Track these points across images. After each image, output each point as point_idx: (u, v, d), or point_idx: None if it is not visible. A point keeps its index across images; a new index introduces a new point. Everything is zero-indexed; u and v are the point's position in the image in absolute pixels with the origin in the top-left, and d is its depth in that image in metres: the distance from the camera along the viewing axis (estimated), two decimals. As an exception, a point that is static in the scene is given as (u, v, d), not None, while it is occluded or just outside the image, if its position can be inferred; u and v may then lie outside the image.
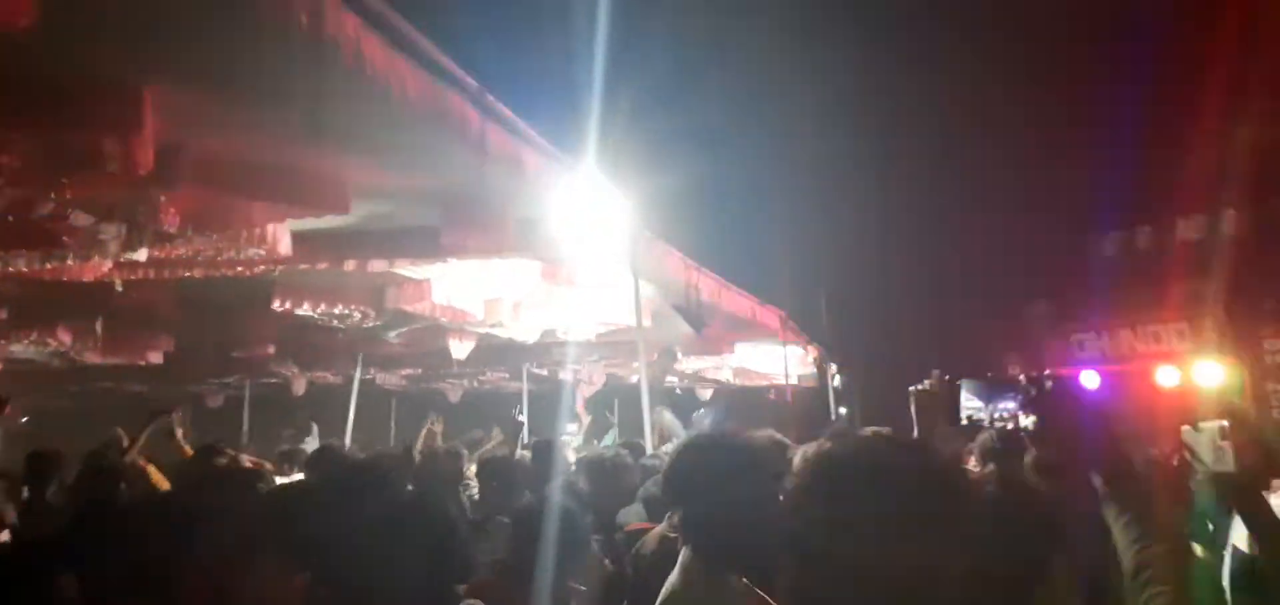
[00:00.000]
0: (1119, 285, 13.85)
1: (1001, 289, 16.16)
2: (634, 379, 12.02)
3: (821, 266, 16.04)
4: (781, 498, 1.54)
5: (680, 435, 9.21)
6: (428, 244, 5.88)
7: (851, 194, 18.89)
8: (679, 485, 2.70)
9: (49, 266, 5.30)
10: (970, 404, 2.33)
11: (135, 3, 2.78)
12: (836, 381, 15.56)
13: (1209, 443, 1.94)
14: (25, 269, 5.24)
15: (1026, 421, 2.01)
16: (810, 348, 14.05)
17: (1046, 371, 1.88)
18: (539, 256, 6.45)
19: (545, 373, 13.53)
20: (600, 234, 5.94)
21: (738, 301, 9.86)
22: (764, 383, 15.37)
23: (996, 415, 2.25)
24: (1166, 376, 10.85)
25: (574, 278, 6.97)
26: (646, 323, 7.68)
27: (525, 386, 12.98)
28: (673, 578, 2.54)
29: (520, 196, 5.13)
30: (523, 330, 9.11)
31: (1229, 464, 1.94)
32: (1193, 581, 1.66)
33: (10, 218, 4.32)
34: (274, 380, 13.06)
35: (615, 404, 14.60)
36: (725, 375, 15.49)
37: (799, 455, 1.51)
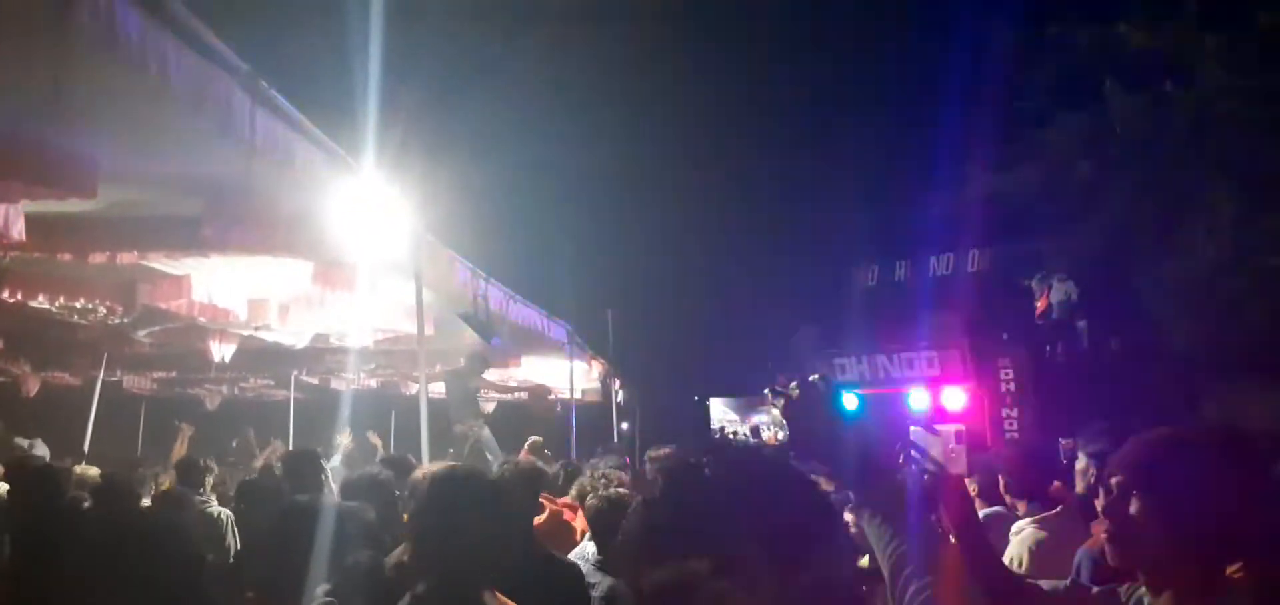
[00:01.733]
0: (877, 314, 14.98)
1: (774, 314, 17.10)
2: (414, 390, 11.69)
3: (607, 284, 16.32)
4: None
5: (497, 455, 9.04)
6: (187, 236, 5.45)
7: (634, 219, 19.39)
8: (429, 521, 2.66)
9: None
10: (726, 417, 2.42)
11: None
12: (619, 396, 15.82)
13: (942, 445, 2.09)
14: None
15: (777, 433, 2.08)
16: (595, 362, 14.21)
17: (792, 381, 1.91)
18: (312, 256, 6.13)
19: (315, 381, 12.91)
20: (380, 236, 5.72)
21: (526, 314, 9.79)
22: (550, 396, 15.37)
23: (751, 428, 2.35)
24: (918, 399, 11.81)
25: (351, 281, 6.68)
26: (429, 331, 7.45)
27: (292, 395, 12.32)
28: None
29: (292, 191, 4.85)
30: (291, 334, 8.62)
31: (963, 466, 2.09)
32: (954, 569, 1.73)
33: None
34: (1, 379, 11.68)
35: (392, 416, 14.14)
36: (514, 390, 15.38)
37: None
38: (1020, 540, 4.50)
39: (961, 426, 2.27)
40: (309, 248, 5.72)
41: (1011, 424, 12.05)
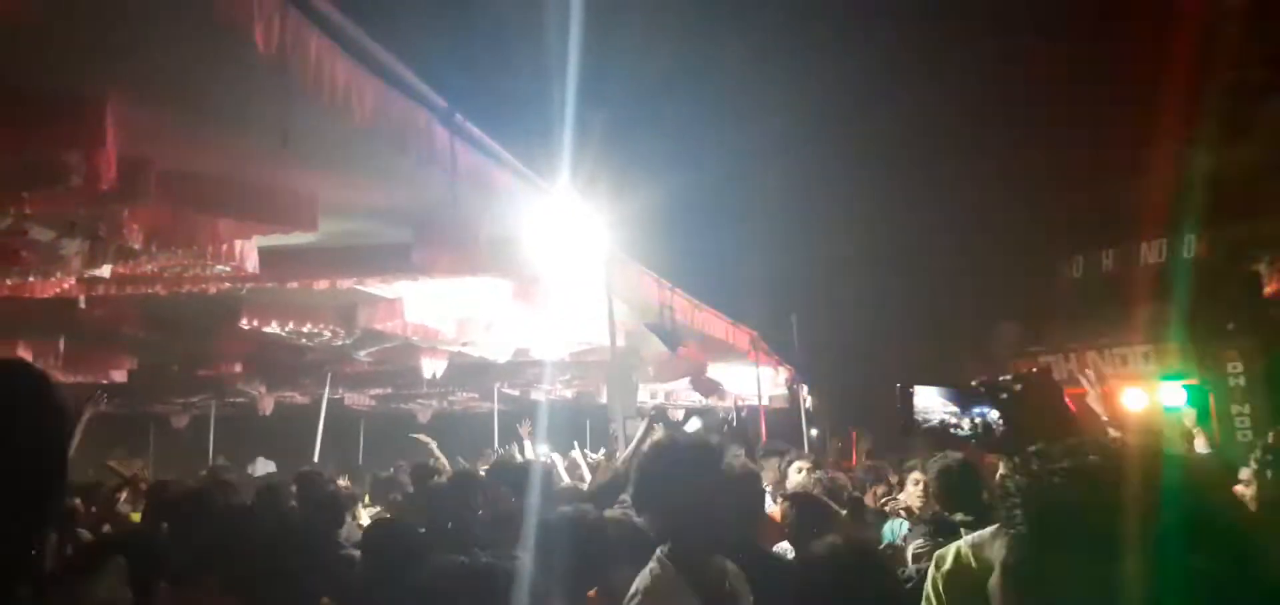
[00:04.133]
0: (1085, 308, 13.97)
1: (969, 312, 16.31)
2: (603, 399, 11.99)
3: (792, 288, 16.12)
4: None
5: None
6: (400, 262, 5.84)
7: (821, 218, 19.03)
8: (651, 486, 2.69)
9: (9, 282, 5.21)
10: (947, 410, 2.34)
11: (95, 18, 2.74)
12: (808, 402, 15.58)
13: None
14: (-15, 284, 5.15)
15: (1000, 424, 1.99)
16: (782, 368, 14.06)
17: (1011, 375, 1.85)
18: (511, 275, 6.41)
19: (516, 393, 13.45)
20: (573, 253, 5.92)
21: (711, 321, 9.85)
22: (737, 403, 15.36)
23: (973, 419, 2.26)
24: (1134, 399, 10.93)
25: (547, 297, 6.94)
26: (620, 343, 7.63)
27: (495, 406, 12.89)
28: (642, 575, 2.57)
29: (492, 215, 5.11)
30: (495, 349, 9.05)
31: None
32: None
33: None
34: (240, 400, 12.88)
35: (587, 425, 14.52)
36: (697, 396, 15.46)
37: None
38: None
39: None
40: (509, 267, 5.99)
41: (1243, 423, 10.94)
